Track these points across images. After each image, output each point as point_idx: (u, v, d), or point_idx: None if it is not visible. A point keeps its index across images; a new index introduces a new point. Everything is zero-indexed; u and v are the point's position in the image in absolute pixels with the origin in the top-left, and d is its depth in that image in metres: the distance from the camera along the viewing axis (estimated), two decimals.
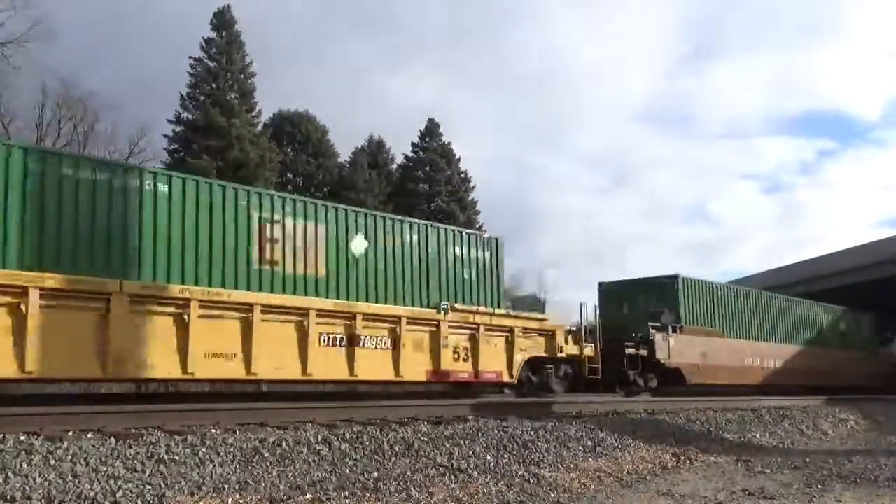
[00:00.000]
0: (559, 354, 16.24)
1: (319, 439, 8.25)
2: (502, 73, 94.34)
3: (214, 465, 7.02)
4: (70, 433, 7.34)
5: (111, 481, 6.21)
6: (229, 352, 11.13)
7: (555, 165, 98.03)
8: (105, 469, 6.43)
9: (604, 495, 8.08)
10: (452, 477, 7.97)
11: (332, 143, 51.08)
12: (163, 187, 11.36)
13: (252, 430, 8.34)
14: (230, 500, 6.33)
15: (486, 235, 16.51)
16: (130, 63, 63.38)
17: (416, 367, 13.51)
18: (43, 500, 5.72)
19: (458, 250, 15.38)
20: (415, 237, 14.59)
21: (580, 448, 10.17)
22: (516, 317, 15.78)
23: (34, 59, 47.01)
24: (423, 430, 9.43)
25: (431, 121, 53.10)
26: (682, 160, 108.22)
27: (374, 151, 53.24)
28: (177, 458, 6.96)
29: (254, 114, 44.43)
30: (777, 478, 9.55)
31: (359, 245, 13.64)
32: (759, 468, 10.31)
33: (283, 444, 7.87)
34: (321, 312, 12.25)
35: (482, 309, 15.14)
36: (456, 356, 14.19)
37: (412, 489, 7.27)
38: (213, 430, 8.05)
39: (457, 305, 14.67)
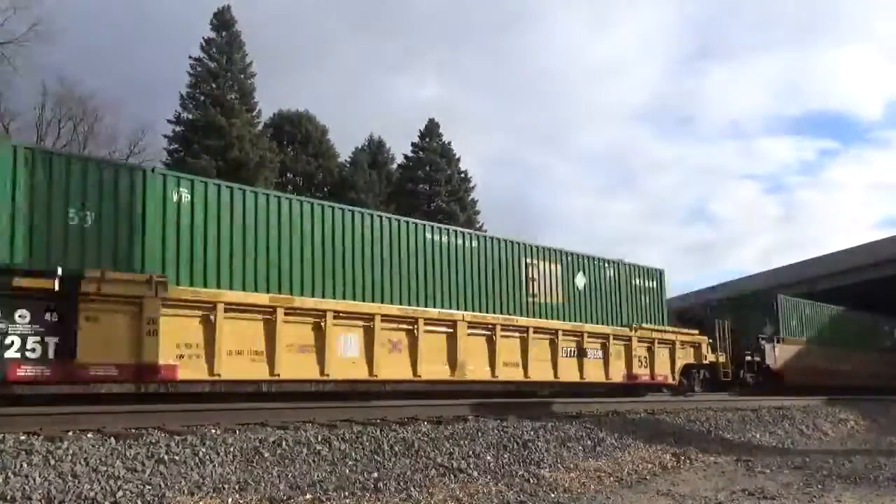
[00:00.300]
0: (703, 361, 20.17)
1: (319, 439, 8.25)
2: (505, 73, 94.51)
3: (214, 465, 7.02)
4: (70, 433, 7.34)
5: (111, 481, 6.21)
6: (513, 361, 15.19)
7: (557, 165, 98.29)
8: (105, 469, 6.43)
9: (604, 495, 8.08)
10: (452, 477, 7.97)
11: (332, 143, 51.09)
12: (459, 241, 15.27)
13: (252, 430, 8.33)
14: (230, 500, 6.33)
15: (653, 268, 20.38)
16: (130, 63, 63.45)
17: (618, 372, 17.57)
18: (43, 500, 5.72)
19: (636, 281, 19.48)
20: (612, 272, 18.79)
21: (580, 448, 10.18)
22: (677, 332, 19.76)
23: (34, 59, 46.98)
24: (423, 430, 9.43)
25: (431, 121, 53.16)
26: (684, 160, 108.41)
27: (374, 151, 53.25)
28: (177, 458, 6.96)
29: (254, 114, 44.44)
30: (777, 478, 9.55)
31: (580, 280, 17.88)
32: (759, 468, 10.31)
33: (283, 444, 7.87)
34: (565, 333, 16.42)
35: (656, 327, 19.22)
36: (639, 363, 18.20)
37: (412, 489, 7.28)
38: (213, 430, 8.05)
39: (642, 325, 18.81)
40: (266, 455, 7.52)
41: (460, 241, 15.24)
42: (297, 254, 12.51)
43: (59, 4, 51.90)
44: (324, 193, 46.38)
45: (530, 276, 16.51)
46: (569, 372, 16.30)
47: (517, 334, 15.26)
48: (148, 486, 6.26)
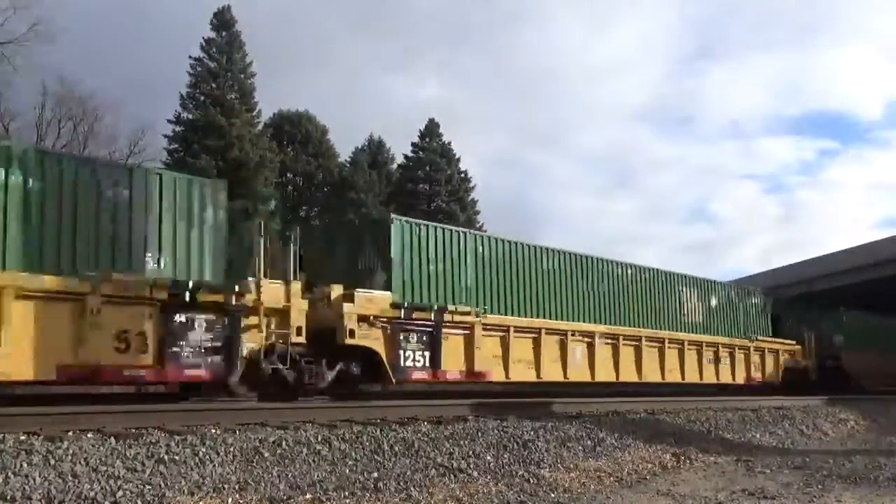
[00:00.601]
0: (799, 367, 24.67)
1: (319, 439, 8.24)
2: (505, 73, 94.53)
3: (214, 465, 7.02)
4: (70, 433, 7.32)
5: (111, 481, 6.21)
6: (675, 367, 19.82)
7: (557, 165, 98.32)
8: (105, 469, 6.42)
9: (604, 495, 8.08)
10: (452, 477, 7.97)
11: (332, 143, 51.11)
12: (630, 272, 19.68)
13: (252, 430, 8.32)
14: (230, 500, 6.33)
15: (758, 288, 25.60)
16: (131, 63, 63.45)
17: (739, 375, 21.97)
18: (43, 500, 5.72)
19: (750, 299, 24.43)
20: (733, 293, 23.79)
21: (580, 448, 10.17)
22: (781, 343, 24.40)
23: (34, 59, 46.92)
24: (423, 430, 9.42)
25: (431, 121, 53.19)
26: (684, 160, 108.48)
27: (374, 151, 53.25)
28: (177, 458, 6.95)
29: (254, 114, 44.45)
30: (777, 478, 9.55)
31: (713, 301, 22.53)
32: (759, 468, 10.31)
33: (283, 444, 7.87)
34: (707, 344, 20.98)
35: (767, 338, 23.95)
36: (755, 368, 22.85)
37: (412, 489, 7.28)
38: (213, 430, 8.04)
39: (759, 337, 23.41)
40: (266, 455, 7.52)
41: (631, 272, 19.77)
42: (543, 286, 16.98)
43: (59, 4, 51.90)
44: (324, 193, 46.41)
45: (683, 299, 21.31)
46: (709, 375, 20.87)
47: (657, 344, 19.36)
48: (148, 486, 6.26)
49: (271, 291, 11.32)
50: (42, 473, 6.12)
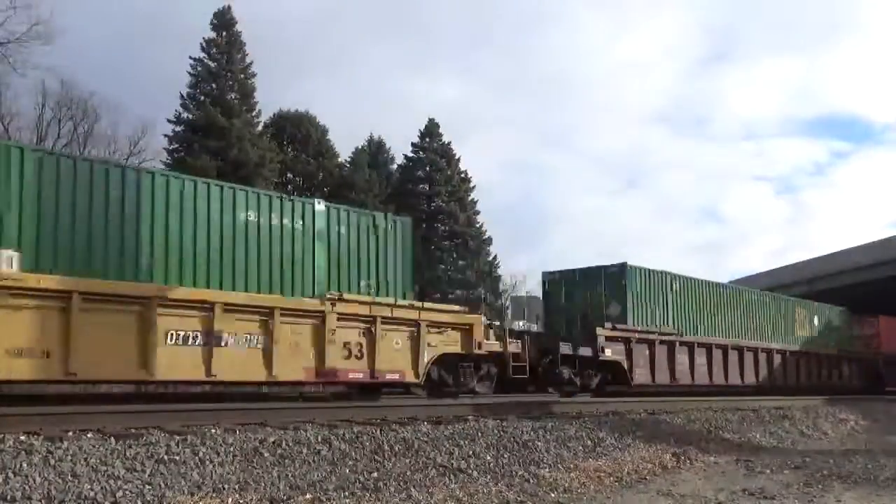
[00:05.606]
0: None
1: (319, 439, 8.24)
2: (519, 75, 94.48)
3: (214, 465, 7.01)
4: (70, 433, 7.32)
5: (111, 481, 6.21)
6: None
7: (570, 166, 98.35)
8: (105, 469, 6.42)
9: (604, 495, 8.08)
10: (452, 477, 7.97)
11: (332, 143, 51.02)
12: (755, 296, 25.53)
13: (252, 430, 8.32)
14: (230, 500, 6.33)
15: (840, 307, 30.44)
16: (131, 63, 63.45)
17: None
18: (43, 500, 5.72)
19: (844, 321, 30.26)
20: (829, 312, 29.55)
21: (580, 448, 10.17)
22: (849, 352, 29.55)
23: (34, 59, 46.82)
24: (423, 430, 9.42)
25: (431, 121, 53.08)
26: (697, 162, 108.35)
27: (374, 151, 53.19)
28: (177, 458, 6.95)
29: (254, 114, 44.42)
30: (777, 478, 9.54)
31: (815, 320, 28.10)
32: (760, 468, 10.30)
33: (283, 444, 7.86)
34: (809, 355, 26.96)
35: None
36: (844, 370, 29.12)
37: (412, 489, 7.27)
38: (213, 430, 8.03)
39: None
40: (266, 455, 7.51)
41: (755, 297, 25.30)
42: None
43: (59, 4, 51.82)
44: (323, 193, 46.34)
45: (796, 319, 26.76)
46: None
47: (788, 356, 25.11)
48: (148, 486, 6.26)
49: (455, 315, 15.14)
50: (42, 473, 6.12)
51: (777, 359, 24.51)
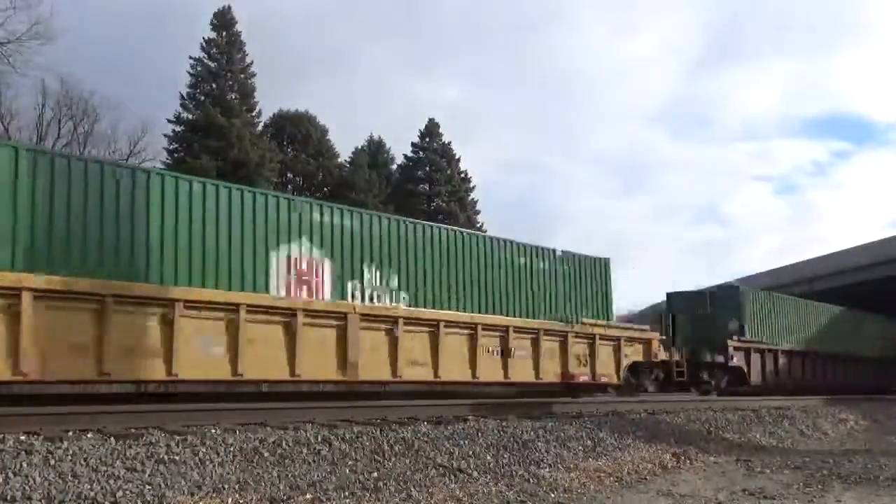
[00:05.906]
0: None
1: (319, 439, 8.24)
2: (520, 75, 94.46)
3: (214, 465, 7.01)
4: (70, 433, 7.32)
5: (111, 481, 6.21)
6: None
7: (571, 167, 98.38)
8: (105, 469, 6.42)
9: (604, 495, 8.08)
10: (452, 477, 7.97)
11: (331, 143, 51.05)
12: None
13: (252, 430, 8.32)
14: (230, 500, 6.33)
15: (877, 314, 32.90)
16: (131, 63, 63.46)
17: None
18: (43, 500, 5.71)
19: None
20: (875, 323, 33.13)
21: (580, 448, 10.17)
22: None
23: (34, 59, 46.82)
24: (423, 430, 9.41)
25: (431, 121, 53.18)
26: (697, 162, 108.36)
27: (374, 151, 53.21)
28: (177, 458, 6.95)
29: (254, 114, 44.46)
30: (777, 478, 9.55)
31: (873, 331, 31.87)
32: (759, 468, 10.30)
33: (283, 444, 7.86)
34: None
35: None
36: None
37: (412, 489, 7.27)
38: (213, 430, 8.03)
39: None
40: (266, 455, 7.51)
41: (837, 311, 29.56)
42: None
43: (58, 4, 51.76)
44: (323, 193, 46.35)
45: (863, 330, 30.38)
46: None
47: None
48: (148, 486, 6.26)
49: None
50: (42, 473, 6.12)
51: (851, 363, 29.80)
